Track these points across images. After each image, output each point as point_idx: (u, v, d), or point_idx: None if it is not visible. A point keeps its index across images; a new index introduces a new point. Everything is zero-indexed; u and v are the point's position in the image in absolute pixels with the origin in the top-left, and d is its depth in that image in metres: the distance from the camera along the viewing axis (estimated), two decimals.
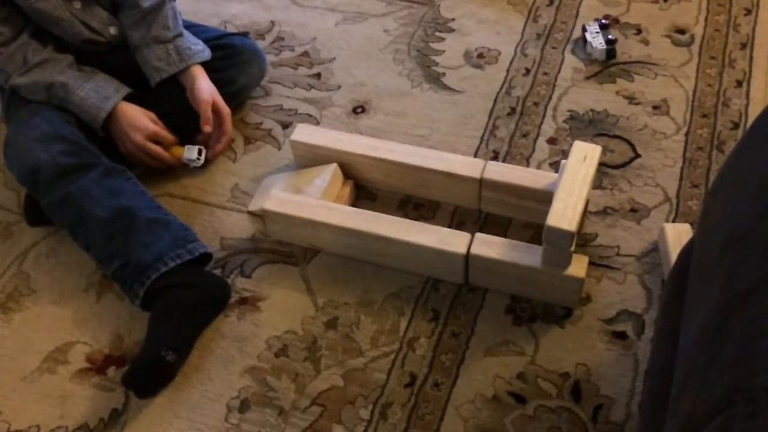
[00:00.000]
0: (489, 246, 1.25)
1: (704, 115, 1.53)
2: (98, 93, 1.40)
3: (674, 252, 1.23)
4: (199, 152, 1.48)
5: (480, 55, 1.69)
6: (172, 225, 1.32)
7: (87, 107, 1.39)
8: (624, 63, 1.64)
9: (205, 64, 1.48)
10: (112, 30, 1.47)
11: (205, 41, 1.51)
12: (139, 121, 1.42)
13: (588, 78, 1.62)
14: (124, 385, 1.20)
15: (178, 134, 1.48)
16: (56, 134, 1.35)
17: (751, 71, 1.60)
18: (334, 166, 1.41)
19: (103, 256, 1.30)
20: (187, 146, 1.47)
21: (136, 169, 1.45)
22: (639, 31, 1.70)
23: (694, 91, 1.57)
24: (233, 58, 1.55)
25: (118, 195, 1.32)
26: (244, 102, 1.63)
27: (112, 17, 1.47)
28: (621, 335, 1.23)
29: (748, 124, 1.28)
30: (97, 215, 1.29)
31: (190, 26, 1.55)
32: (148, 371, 1.20)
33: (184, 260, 1.27)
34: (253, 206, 1.44)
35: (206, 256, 1.32)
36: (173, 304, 1.25)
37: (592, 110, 1.55)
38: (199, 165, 1.49)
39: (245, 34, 1.68)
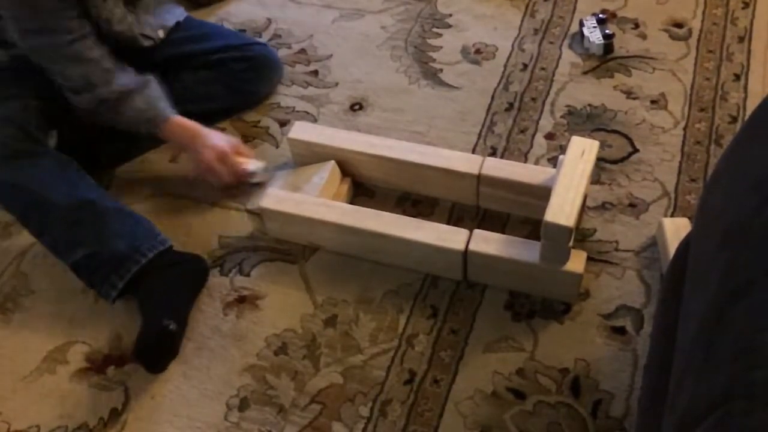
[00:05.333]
0: (487, 242, 1.25)
1: (702, 109, 1.52)
2: (160, 99, 1.39)
3: (673, 246, 1.22)
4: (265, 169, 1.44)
5: (477, 51, 1.69)
6: (137, 216, 1.34)
7: (150, 109, 1.38)
8: (622, 57, 1.63)
9: (228, 74, 1.52)
10: (161, 33, 1.50)
11: (228, 49, 1.54)
12: (222, 136, 1.42)
13: (586, 73, 1.61)
14: (136, 360, 1.21)
15: None
16: (6, 117, 1.33)
17: (749, 65, 1.59)
18: (331, 163, 1.41)
19: (62, 244, 1.29)
20: (252, 160, 1.43)
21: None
22: (636, 26, 1.70)
23: (692, 85, 1.57)
24: (258, 72, 1.58)
25: (74, 184, 1.32)
26: None
27: (158, 20, 1.49)
28: (620, 330, 1.23)
29: (746, 118, 1.28)
30: (55, 202, 1.28)
31: (208, 27, 1.60)
32: (155, 342, 1.21)
33: (158, 251, 1.28)
34: (252, 204, 1.44)
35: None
36: (161, 282, 1.26)
37: (589, 105, 1.55)
38: (261, 180, 1.43)
39: (263, 42, 1.69)
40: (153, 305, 1.25)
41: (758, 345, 0.63)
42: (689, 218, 1.32)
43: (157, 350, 1.22)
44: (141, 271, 1.26)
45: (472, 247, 1.25)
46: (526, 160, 1.47)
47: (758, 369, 0.62)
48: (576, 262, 1.21)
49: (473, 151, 1.49)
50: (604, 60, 1.63)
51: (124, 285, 1.26)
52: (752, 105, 1.51)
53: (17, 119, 1.35)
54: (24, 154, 1.31)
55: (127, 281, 1.26)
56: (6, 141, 1.31)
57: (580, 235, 1.34)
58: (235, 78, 1.53)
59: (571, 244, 1.17)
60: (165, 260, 1.29)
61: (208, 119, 1.57)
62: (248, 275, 1.35)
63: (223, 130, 1.58)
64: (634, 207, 1.38)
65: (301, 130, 1.44)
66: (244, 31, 1.78)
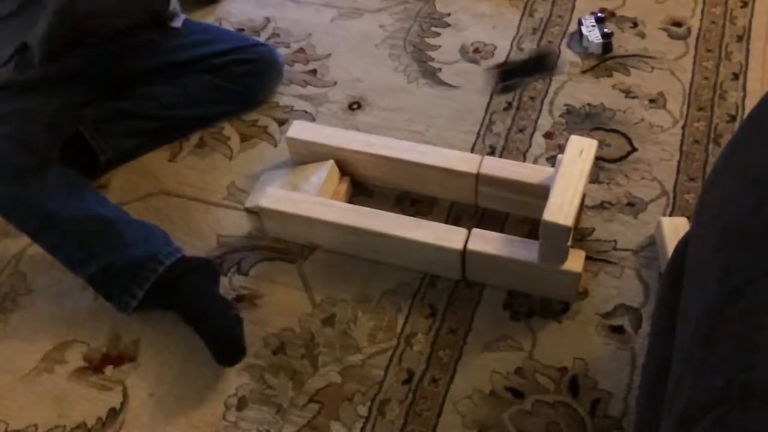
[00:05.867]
0: (486, 241, 1.25)
1: (701, 108, 1.52)
2: None
3: (671, 246, 1.22)
4: None
5: (476, 50, 1.69)
6: (148, 224, 1.34)
7: None
8: (620, 56, 1.63)
9: (231, 78, 1.52)
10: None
11: (231, 52, 1.53)
12: None
13: (584, 72, 1.61)
14: (224, 363, 1.21)
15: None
16: (11, 135, 1.33)
17: (747, 63, 1.59)
18: (330, 162, 1.41)
19: (76, 258, 1.28)
20: None
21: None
22: (635, 24, 1.70)
23: (691, 84, 1.57)
24: (260, 75, 1.58)
25: (82, 198, 1.32)
26: None
27: None
28: (618, 329, 1.23)
29: (744, 117, 1.27)
30: (65, 217, 1.27)
31: (210, 30, 1.61)
32: (240, 333, 1.21)
33: (176, 258, 1.27)
34: (251, 203, 1.44)
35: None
36: (197, 285, 1.26)
37: (588, 104, 1.55)
38: None
39: (265, 43, 1.69)
40: (208, 305, 1.24)
41: (756, 344, 0.63)
42: (688, 217, 1.32)
43: (242, 338, 1.21)
44: (162, 278, 1.25)
45: (471, 246, 1.25)
46: (524, 160, 1.47)
47: (756, 369, 0.62)
48: (574, 262, 1.21)
49: (472, 151, 1.49)
50: (603, 59, 1.63)
51: (144, 294, 1.25)
52: (751, 104, 1.51)
53: (22, 136, 1.34)
54: (30, 171, 1.31)
55: (147, 290, 1.25)
56: (11, 159, 1.31)
57: (579, 235, 1.34)
58: (238, 82, 1.53)
59: (569, 243, 1.17)
60: (184, 266, 1.28)
61: (212, 121, 1.58)
62: (247, 274, 1.35)
63: (221, 129, 1.58)
64: (633, 206, 1.38)
65: (299, 129, 1.44)
66: (243, 30, 1.78)
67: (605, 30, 1.63)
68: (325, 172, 1.40)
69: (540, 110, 1.55)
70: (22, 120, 1.36)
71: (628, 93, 1.56)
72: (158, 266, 1.25)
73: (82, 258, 1.27)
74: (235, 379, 1.22)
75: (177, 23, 1.53)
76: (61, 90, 1.41)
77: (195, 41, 1.55)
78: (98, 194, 1.37)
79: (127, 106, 1.49)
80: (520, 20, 1.74)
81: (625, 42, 1.66)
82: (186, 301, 1.25)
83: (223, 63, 1.53)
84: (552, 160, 1.45)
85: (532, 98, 1.57)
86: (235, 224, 1.43)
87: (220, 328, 1.21)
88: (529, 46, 1.68)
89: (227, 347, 1.20)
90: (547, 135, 1.50)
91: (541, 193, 1.25)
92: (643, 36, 1.67)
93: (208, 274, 1.29)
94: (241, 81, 1.54)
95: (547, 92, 1.58)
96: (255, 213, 1.41)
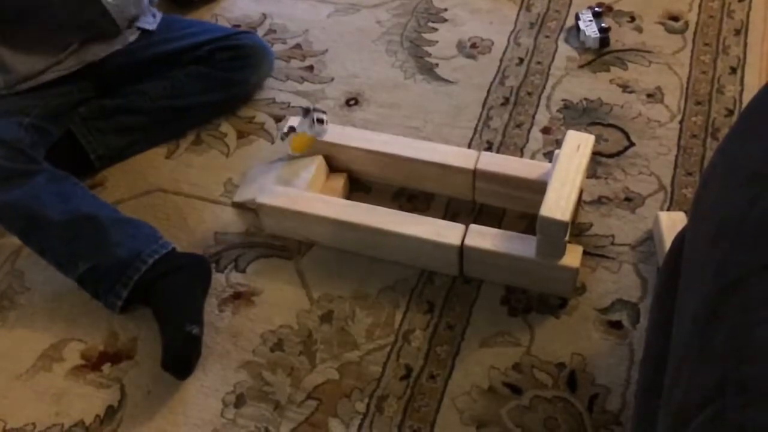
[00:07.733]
0: (483, 237, 1.25)
1: (698, 103, 1.52)
2: None
3: (669, 240, 1.22)
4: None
5: (473, 45, 1.68)
6: (136, 222, 1.33)
7: None
8: (618, 51, 1.63)
9: (216, 65, 1.52)
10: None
11: (214, 41, 1.53)
12: None
13: (582, 67, 1.61)
14: (166, 370, 1.19)
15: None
16: None
17: (745, 57, 1.59)
18: (318, 157, 1.41)
19: (64, 259, 1.28)
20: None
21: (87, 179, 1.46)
22: (632, 19, 1.69)
23: (689, 79, 1.56)
24: (245, 60, 1.56)
25: (70, 199, 1.31)
26: None
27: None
28: (616, 324, 1.23)
29: (741, 111, 1.27)
30: (52, 219, 1.27)
31: (193, 24, 1.60)
32: (184, 350, 1.20)
33: (160, 255, 1.27)
34: (239, 197, 1.44)
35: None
36: (172, 287, 1.25)
37: (585, 99, 1.55)
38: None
39: (250, 31, 1.68)
40: (171, 312, 1.23)
41: (751, 340, 0.63)
42: (685, 212, 1.32)
43: (186, 358, 1.20)
44: (145, 277, 1.25)
45: (468, 242, 1.24)
46: (522, 155, 1.46)
47: (751, 364, 0.62)
48: (572, 257, 1.21)
49: (469, 146, 1.49)
50: (600, 54, 1.63)
51: (129, 293, 1.25)
52: (748, 98, 1.50)
53: (10, 139, 1.33)
54: (18, 174, 1.30)
55: (132, 289, 1.25)
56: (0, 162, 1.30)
57: (576, 230, 1.34)
58: (223, 68, 1.52)
59: (567, 238, 1.17)
60: (170, 264, 1.27)
61: (203, 114, 1.57)
62: (244, 271, 1.35)
63: (218, 126, 1.58)
64: (630, 201, 1.38)
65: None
66: (239, 26, 1.77)
67: (602, 24, 1.63)
68: (313, 167, 1.39)
69: (537, 105, 1.55)
70: (8, 123, 1.35)
71: (625, 88, 1.56)
72: (141, 265, 1.25)
73: (69, 259, 1.27)
74: (233, 376, 1.22)
75: (151, 26, 1.53)
76: (46, 92, 1.42)
77: (178, 35, 1.55)
78: (86, 192, 1.36)
79: (116, 102, 1.50)
80: (518, 15, 1.74)
81: (623, 36, 1.66)
82: (155, 302, 1.25)
83: (207, 52, 1.53)
84: (549, 156, 1.45)
85: (529, 93, 1.57)
86: (232, 221, 1.43)
87: (171, 339, 1.20)
88: (527, 41, 1.67)
89: (171, 361, 1.19)
90: (545, 130, 1.50)
91: (538, 188, 1.25)
92: (640, 30, 1.67)
93: (193, 274, 1.29)
94: (225, 67, 1.53)
95: (544, 87, 1.58)
96: (243, 207, 1.40)
